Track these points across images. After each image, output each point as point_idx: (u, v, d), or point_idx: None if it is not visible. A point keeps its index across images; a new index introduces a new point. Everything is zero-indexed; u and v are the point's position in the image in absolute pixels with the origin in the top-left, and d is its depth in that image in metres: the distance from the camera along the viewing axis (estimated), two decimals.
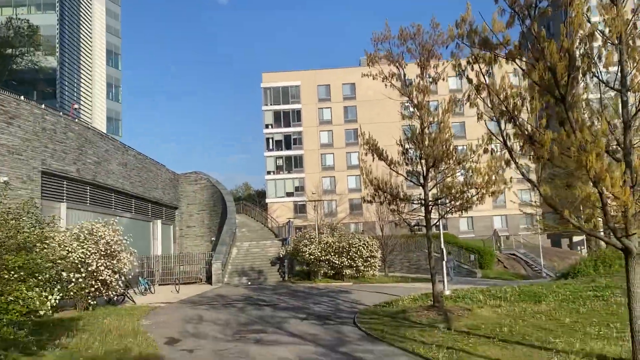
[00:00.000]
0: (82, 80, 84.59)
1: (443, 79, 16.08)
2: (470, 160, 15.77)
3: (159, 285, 34.53)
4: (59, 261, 16.28)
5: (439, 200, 16.36)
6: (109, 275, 19.22)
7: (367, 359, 10.63)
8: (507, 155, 9.38)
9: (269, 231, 51.45)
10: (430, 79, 16.16)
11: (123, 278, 20.51)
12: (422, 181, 16.31)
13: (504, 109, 8.46)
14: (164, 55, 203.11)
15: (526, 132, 8.10)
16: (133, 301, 23.64)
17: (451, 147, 15.73)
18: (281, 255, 38.12)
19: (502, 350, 10.26)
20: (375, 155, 16.49)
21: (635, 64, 7.85)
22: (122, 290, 21.58)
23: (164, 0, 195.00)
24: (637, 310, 8.08)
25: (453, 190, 15.87)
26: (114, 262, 19.77)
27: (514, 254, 55.62)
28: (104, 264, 19.08)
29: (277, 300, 23.32)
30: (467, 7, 9.17)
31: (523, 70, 8.10)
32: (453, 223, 69.71)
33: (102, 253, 19.33)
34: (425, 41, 15.96)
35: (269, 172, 77.68)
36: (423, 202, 16.30)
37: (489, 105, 9.17)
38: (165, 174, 44.88)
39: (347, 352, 11.36)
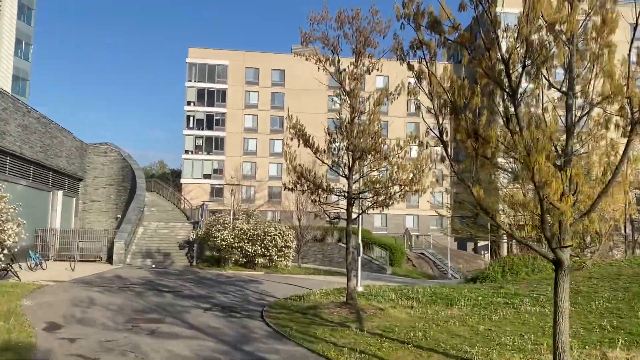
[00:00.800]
0: None
1: (377, 69, 15.43)
2: (397, 155, 15.33)
3: (54, 261, 32.17)
4: None
5: (363, 194, 15.75)
6: None
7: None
8: (441, 152, 8.88)
9: (181, 213, 49.56)
10: (365, 68, 15.50)
11: (6, 251, 18.49)
12: (347, 173, 15.67)
13: (447, 100, 7.87)
14: (88, 20, 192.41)
15: (471, 127, 7.51)
16: (17, 277, 21.49)
17: (379, 140, 15.20)
18: (191, 239, 36.70)
19: (417, 357, 9.73)
20: (301, 141, 15.65)
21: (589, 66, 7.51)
22: (4, 265, 19.54)
23: None
24: (562, 325, 7.72)
25: (377, 185, 15.35)
26: None
27: (423, 254, 57.14)
28: None
29: (180, 286, 21.95)
30: None
31: (473, 58, 7.49)
32: (368, 219, 70.35)
33: None
34: (363, 27, 15.28)
35: (187, 152, 74.89)
36: (346, 194, 15.67)
37: (429, 96, 8.54)
38: (72, 142, 41.49)
39: (251, 351, 10.42)
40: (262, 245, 32.98)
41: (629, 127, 6.88)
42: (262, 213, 55.38)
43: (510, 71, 6.93)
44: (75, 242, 35.44)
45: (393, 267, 44.81)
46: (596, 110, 7.81)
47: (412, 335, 11.66)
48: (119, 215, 41.96)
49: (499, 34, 6.84)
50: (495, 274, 24.02)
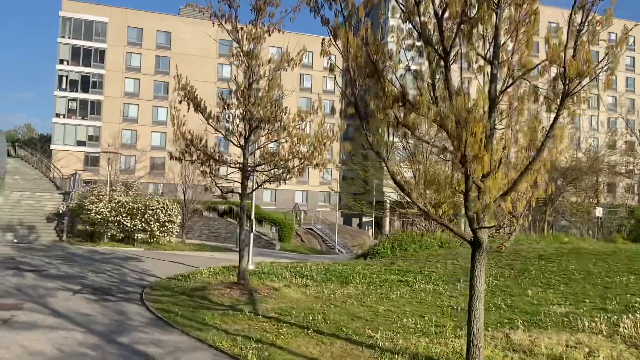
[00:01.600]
0: None
1: (279, 31, 14.33)
2: (297, 127, 14.43)
3: None
4: None
5: (260, 167, 14.65)
6: None
7: (154, 354, 8.25)
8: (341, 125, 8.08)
9: (50, 182, 45.34)
10: (265, 28, 14.31)
11: None
12: (242, 143, 14.51)
13: (368, 60, 7.01)
14: None
15: (399, 91, 6.71)
16: None
17: (280, 109, 14.19)
18: (61, 211, 33.65)
19: (319, 345, 8.90)
20: (191, 105, 14.21)
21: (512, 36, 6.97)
22: None
23: None
24: (477, 311, 7.29)
25: (276, 158, 14.40)
26: None
27: (311, 229, 57.31)
28: None
29: (46, 264, 19.56)
30: None
31: (403, 11, 6.61)
32: (257, 194, 68.59)
33: None
34: None
35: (58, 115, 68.76)
36: (241, 166, 14.52)
37: (344, 57, 7.62)
38: None
39: (128, 343, 8.90)
40: (143, 220, 30.90)
41: (559, 100, 6.43)
42: (144, 185, 52.32)
43: (443, 29, 6.21)
44: None
45: (282, 243, 44.47)
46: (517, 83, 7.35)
47: (311, 318, 10.86)
48: None
49: None
50: (385, 250, 24.13)
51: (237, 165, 14.62)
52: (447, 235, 24.95)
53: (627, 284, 13.20)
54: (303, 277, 16.78)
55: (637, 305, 11.20)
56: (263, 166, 14.66)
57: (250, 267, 19.37)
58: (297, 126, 14.30)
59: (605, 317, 10.32)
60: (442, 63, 6.47)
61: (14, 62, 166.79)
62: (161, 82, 70.46)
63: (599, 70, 6.04)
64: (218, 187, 15.10)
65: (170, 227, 32.34)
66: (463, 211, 7.51)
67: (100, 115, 69.62)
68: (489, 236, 7.86)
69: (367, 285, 15.13)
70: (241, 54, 14.14)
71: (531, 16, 6.84)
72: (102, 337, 9.30)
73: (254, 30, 14.14)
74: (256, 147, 14.77)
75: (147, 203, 31.59)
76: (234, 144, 14.76)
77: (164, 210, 31.79)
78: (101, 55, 69.47)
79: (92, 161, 66.78)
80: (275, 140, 14.64)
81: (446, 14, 6.16)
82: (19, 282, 15.07)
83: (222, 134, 14.64)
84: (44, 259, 21.33)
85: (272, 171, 14.55)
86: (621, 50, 5.91)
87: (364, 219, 72.01)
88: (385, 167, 7.76)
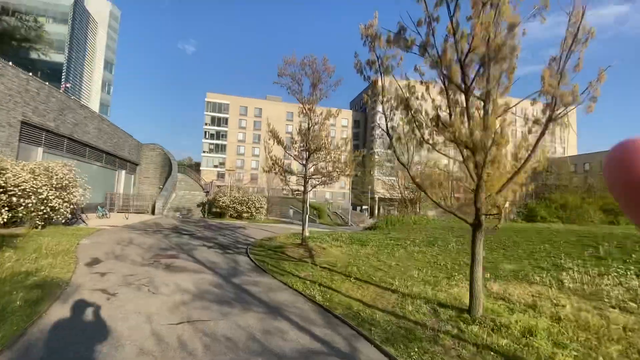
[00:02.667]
0: (84, 76, 73.75)
1: (326, 97, 12.82)
2: (336, 152, 12.82)
3: (117, 212, 27.55)
4: (11, 188, 10.69)
5: (315, 176, 13.05)
6: (58, 204, 13.21)
7: (254, 292, 6.75)
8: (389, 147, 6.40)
9: (199, 186, 44.73)
10: (318, 96, 12.78)
11: (73, 206, 14.46)
12: (304, 162, 12.96)
13: (403, 97, 5.37)
14: (144, 74, 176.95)
15: (435, 115, 5.03)
16: (85, 223, 17.35)
17: (327, 141, 12.61)
18: (204, 201, 32.84)
19: (360, 289, 7.11)
20: (275, 140, 12.78)
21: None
22: (70, 215, 15.40)
23: (147, 33, 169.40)
24: (478, 272, 5.49)
25: (324, 171, 12.79)
26: (65, 193, 13.73)
27: (335, 212, 55.43)
28: (54, 194, 13.07)
29: (195, 230, 18.17)
30: (374, 15, 5.91)
31: (432, 62, 4.96)
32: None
33: (54, 185, 13.26)
34: (316, 68, 12.60)
35: (204, 152, 69.16)
36: (303, 176, 12.95)
37: (383, 99, 6.00)
38: (132, 141, 36.76)
39: (239, 283, 7.37)
40: (246, 206, 29.72)
41: (545, 122, 4.66)
42: (247, 188, 51.78)
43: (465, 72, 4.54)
44: (132, 201, 31.84)
45: (319, 219, 42.78)
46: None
47: (349, 269, 9.02)
48: (161, 186, 37.63)
49: (457, 38, 4.41)
50: (381, 225, 22.16)
51: (301, 175, 13.05)
52: (417, 217, 22.87)
53: (545, 249, 10.95)
54: (337, 240, 15.00)
55: (562, 264, 8.97)
56: (316, 176, 12.97)
57: (307, 234, 17.73)
58: (336, 152, 12.68)
59: (547, 273, 8.23)
60: (462, 97, 4.77)
61: (187, 125, 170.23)
62: (256, 134, 69.93)
63: (582, 101, 4.31)
64: (290, 188, 13.54)
65: (261, 210, 31.03)
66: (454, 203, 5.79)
67: (225, 152, 69.38)
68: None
69: (378, 247, 13.24)
70: (304, 110, 12.59)
71: (510, 73, 5.09)
72: (223, 278, 7.78)
73: (311, 97, 12.63)
74: (312, 165, 13.13)
75: (249, 197, 30.43)
76: (299, 163, 13.18)
77: (258, 201, 30.55)
78: (225, 120, 69.36)
79: (220, 175, 66.42)
80: (323, 161, 13.01)
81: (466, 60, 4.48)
82: (179, 241, 13.73)
83: (292, 157, 13.04)
84: (194, 227, 20.10)
85: (321, 178, 12.85)
86: (600, 83, 4.18)
87: (364, 207, 69.96)
88: (407, 173, 6.07)
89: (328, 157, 12.80)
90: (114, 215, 25.92)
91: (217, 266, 9.20)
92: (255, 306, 5.78)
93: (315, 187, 12.96)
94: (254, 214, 30.16)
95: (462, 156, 4.85)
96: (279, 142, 12.68)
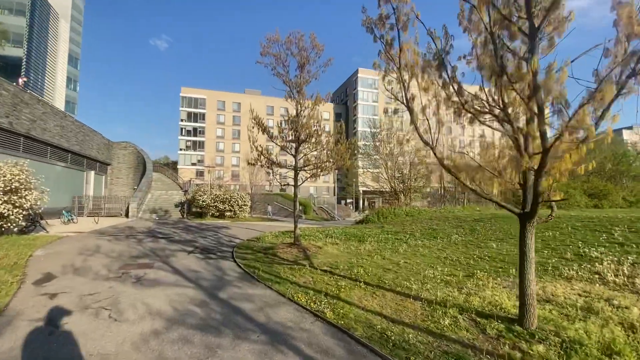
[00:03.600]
0: (46, 71, 69.47)
1: (315, 79, 11.43)
2: (328, 140, 11.50)
3: (87, 216, 25.18)
4: None
5: (306, 167, 11.64)
6: (7, 209, 11.24)
7: (247, 310, 5.31)
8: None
9: (177, 185, 42.42)
10: (306, 78, 11.39)
11: (28, 212, 12.47)
12: (294, 153, 11.56)
13: (438, 52, 4.13)
14: (116, 68, 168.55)
15: (499, 62, 3.77)
16: (46, 230, 15.28)
17: (318, 130, 11.23)
18: (182, 201, 30.73)
19: (375, 297, 5.82)
20: (260, 128, 11.29)
21: None
22: (26, 222, 13.42)
23: (118, 29, 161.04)
24: (530, 274, 4.35)
25: (317, 161, 11.43)
26: (15, 197, 11.75)
27: (321, 207, 54.32)
28: (2, 199, 11.09)
29: (173, 233, 16.40)
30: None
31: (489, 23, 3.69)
32: (289, 189, 66.66)
33: (2, 188, 11.25)
34: (304, 46, 11.16)
35: (180, 149, 65.89)
36: (293, 168, 11.54)
37: (397, 68, 4.74)
38: (101, 139, 34.05)
39: (226, 299, 5.89)
40: (229, 204, 27.96)
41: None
42: (228, 186, 49.75)
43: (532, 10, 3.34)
44: (103, 203, 29.42)
45: (305, 215, 41.50)
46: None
47: (355, 271, 7.73)
48: (136, 187, 35.23)
49: None
50: (374, 218, 21.06)
51: (291, 168, 11.66)
52: (408, 209, 21.98)
53: (556, 237, 10.09)
54: (332, 237, 13.80)
55: (587, 253, 7.99)
56: (308, 167, 11.59)
57: (297, 232, 16.44)
58: (328, 141, 11.38)
59: (578, 265, 7.19)
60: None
61: (161, 123, 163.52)
62: (236, 129, 67.50)
63: None
64: (278, 182, 12.13)
65: (245, 208, 29.34)
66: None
67: (203, 149, 66.58)
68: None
69: (377, 243, 12.08)
70: (292, 94, 11.17)
71: None
72: (207, 293, 6.30)
73: (299, 79, 11.22)
74: (302, 156, 11.75)
75: (232, 195, 28.65)
76: (288, 153, 11.76)
77: (241, 199, 28.85)
78: (202, 116, 66.42)
79: (199, 174, 63.71)
80: (315, 150, 11.66)
81: None
82: (154, 246, 12.04)
83: (281, 147, 11.59)
84: (171, 229, 18.29)
85: (312, 170, 11.50)
86: None
87: (348, 201, 69.26)
88: (432, 153, 4.86)
89: (319, 146, 11.46)
90: (82, 220, 23.72)
91: (199, 276, 7.72)
92: (251, 332, 4.42)
93: (306, 179, 11.61)
94: (237, 212, 28.47)
95: (527, 122, 3.67)
96: (264, 130, 11.23)
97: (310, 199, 56.72)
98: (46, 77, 68.04)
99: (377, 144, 24.32)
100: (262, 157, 11.17)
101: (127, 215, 27.68)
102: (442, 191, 24.04)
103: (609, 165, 27.75)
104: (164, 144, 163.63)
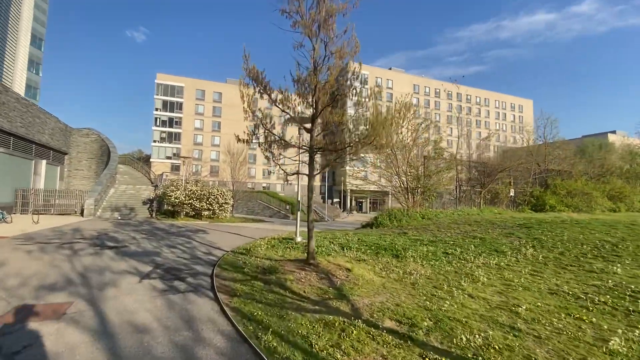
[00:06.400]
0: (5, 50, 62.86)
1: (345, 14, 7.53)
2: (364, 104, 7.63)
3: (34, 214, 20.00)
4: None
5: (331, 146, 7.66)
6: None
7: None
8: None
9: (147, 179, 37.27)
10: (330, 6, 7.46)
11: None
12: (310, 126, 7.63)
13: None
14: (83, 54, 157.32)
15: None
16: None
17: (344, 94, 7.38)
18: (151, 197, 26.04)
19: None
20: (258, 87, 7.30)
21: None
22: None
23: (93, 19, 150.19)
24: None
25: (346, 135, 7.55)
26: None
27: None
28: None
29: (130, 239, 12.05)
30: None
31: None
32: (272, 187, 62.33)
33: None
34: None
35: (154, 141, 59.81)
36: (309, 147, 7.61)
37: None
38: (56, 123, 28.70)
39: None
40: (207, 202, 23.57)
41: None
42: (206, 182, 45.07)
43: None
44: (55, 199, 24.30)
45: (293, 215, 37.56)
46: None
47: (459, 337, 3.95)
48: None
49: None
50: (385, 221, 17.32)
51: (304, 148, 7.75)
52: (424, 210, 18.49)
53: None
54: (350, 249, 9.96)
55: None
56: (324, 147, 7.68)
57: (298, 239, 12.52)
58: (364, 103, 7.53)
59: None
60: None
61: (132, 115, 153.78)
62: (216, 121, 62.29)
63: None
64: (282, 169, 8.13)
65: (226, 207, 25.00)
66: None
67: (180, 141, 60.95)
68: None
69: (423, 260, 8.32)
70: (310, 30, 7.19)
71: None
72: None
73: (317, 14, 7.27)
74: (319, 131, 7.86)
75: (210, 191, 24.29)
76: (301, 126, 7.85)
77: (222, 196, 24.50)
78: (179, 105, 60.74)
79: (175, 168, 58.21)
80: (338, 124, 7.77)
81: None
82: (91, 264, 7.73)
83: (291, 115, 7.57)
84: (131, 234, 13.87)
85: (335, 152, 7.62)
86: None
87: (335, 200, 65.76)
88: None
89: (345, 116, 7.59)
90: (21, 219, 18.80)
91: (146, 350, 3.71)
92: None
93: (327, 166, 7.72)
94: (217, 211, 24.12)
95: None
96: (264, 89, 7.24)
97: (295, 197, 53.01)
98: (5, 57, 60.56)
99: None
100: (259, 129, 7.18)
101: (82, 214, 22.77)
102: (458, 191, 20.79)
103: (627, 166, 25.80)
104: (138, 138, 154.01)
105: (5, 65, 61.68)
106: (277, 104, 7.38)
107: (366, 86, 7.05)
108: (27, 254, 8.67)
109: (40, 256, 8.41)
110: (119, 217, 22.54)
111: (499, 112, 79.26)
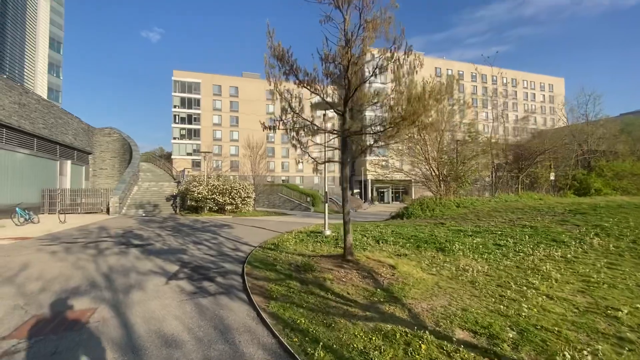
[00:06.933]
0: (25, 55, 64.60)
1: None
2: (403, 79, 6.76)
3: (61, 214, 20.28)
4: None
5: (368, 128, 6.87)
6: None
7: None
8: None
9: (170, 176, 37.65)
10: None
11: None
12: (343, 109, 6.84)
13: None
14: (101, 56, 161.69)
15: None
16: None
17: (390, 59, 6.52)
18: (174, 193, 26.19)
19: None
20: (284, 68, 6.56)
21: None
22: None
23: (104, 18, 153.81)
24: None
25: (387, 114, 6.71)
26: None
27: (330, 198, 49.84)
28: None
29: (155, 237, 11.76)
30: None
31: None
32: (292, 180, 62.10)
33: None
34: None
35: (174, 138, 60.63)
36: (342, 131, 6.84)
37: None
38: (78, 124, 29.30)
39: None
40: (230, 197, 23.35)
41: None
42: (226, 177, 45.27)
43: None
44: (81, 198, 24.81)
45: (315, 207, 37.03)
46: None
47: (529, 340, 3.29)
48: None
49: None
50: (417, 210, 16.40)
51: (337, 132, 7.00)
52: (457, 198, 17.39)
53: None
54: (386, 242, 9.22)
55: None
56: (360, 130, 6.89)
57: (327, 232, 11.86)
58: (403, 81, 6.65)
59: None
60: None
61: (153, 114, 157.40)
62: (234, 116, 62.30)
63: None
64: (311, 157, 7.41)
65: (248, 201, 24.77)
66: None
67: (199, 137, 61.46)
68: None
69: (474, 253, 7.50)
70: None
71: None
72: None
73: None
74: (355, 111, 7.06)
75: (232, 185, 24.04)
76: (332, 109, 7.09)
77: (244, 190, 24.23)
78: (197, 102, 61.11)
79: (195, 164, 58.99)
80: (374, 103, 6.94)
81: None
82: (117, 264, 7.40)
83: (321, 97, 6.81)
84: (156, 230, 13.66)
85: (371, 136, 6.82)
86: None
87: (355, 190, 64.88)
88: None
89: (381, 96, 6.76)
90: (49, 218, 19.23)
91: None
92: None
93: (363, 152, 6.95)
94: (240, 205, 23.87)
95: None
96: (292, 68, 6.51)
97: (316, 190, 52.27)
98: (25, 62, 62.63)
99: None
100: (288, 113, 6.48)
101: (108, 212, 23.14)
102: (494, 176, 19.47)
103: None
104: (159, 137, 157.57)
105: (26, 70, 63.73)
106: (306, 86, 6.64)
107: (407, 59, 6.19)
108: (51, 255, 8.45)
109: (65, 257, 8.15)
110: (144, 214, 22.69)
111: (527, 93, 75.26)
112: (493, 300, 4.61)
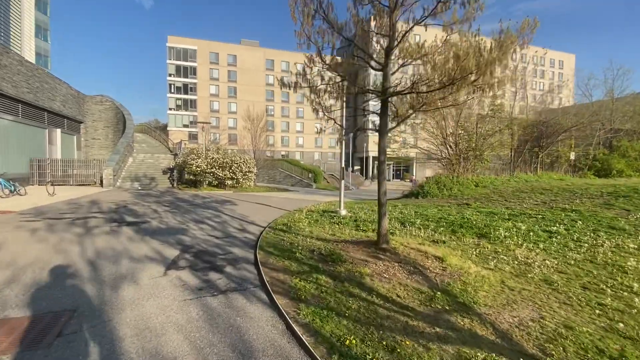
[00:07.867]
0: (10, 15, 61.15)
1: None
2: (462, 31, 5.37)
3: (52, 185, 18.97)
4: None
5: (414, 87, 5.48)
6: None
7: None
8: None
9: (166, 148, 36.10)
10: None
11: None
12: (384, 62, 5.46)
13: None
14: (94, 21, 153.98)
15: None
16: None
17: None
18: (171, 166, 24.85)
19: None
20: (318, 8, 5.12)
21: None
22: None
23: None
24: None
25: (435, 73, 5.37)
26: None
27: (332, 174, 48.77)
28: None
29: (152, 212, 10.62)
30: None
31: None
32: (292, 155, 60.62)
33: None
34: None
35: (170, 109, 58.10)
36: (382, 91, 5.51)
37: None
38: (67, 90, 27.31)
39: None
40: (231, 171, 22.09)
41: None
42: (224, 150, 43.73)
43: None
44: (72, 169, 23.40)
45: (316, 183, 35.96)
46: None
47: None
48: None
49: None
50: (433, 189, 15.27)
51: (377, 92, 5.65)
52: (476, 177, 16.25)
53: None
54: (413, 225, 8.12)
55: None
56: (409, 89, 5.53)
57: (343, 212, 10.74)
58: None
59: None
60: None
61: (146, 84, 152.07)
62: (232, 87, 59.63)
63: None
64: (337, 123, 6.08)
65: (249, 175, 23.53)
66: None
67: (195, 108, 59.09)
68: None
69: (524, 241, 6.39)
70: None
71: None
72: None
73: None
74: (397, 67, 5.68)
75: (233, 159, 22.71)
76: (368, 64, 5.70)
77: (245, 164, 22.94)
78: (193, 70, 58.21)
79: (193, 136, 57.07)
80: (419, 57, 5.56)
81: None
82: (104, 248, 6.21)
83: (360, 48, 5.40)
84: (152, 206, 12.46)
85: (419, 95, 5.48)
86: None
87: (355, 167, 63.69)
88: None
89: (428, 49, 5.39)
90: (36, 190, 17.92)
91: None
92: None
93: (409, 116, 5.64)
94: (241, 180, 22.65)
95: None
96: (320, 4, 5.07)
97: (317, 165, 50.99)
98: (11, 23, 58.75)
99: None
100: (318, 63, 5.11)
101: (101, 184, 21.87)
102: (513, 155, 18.27)
103: None
104: (154, 109, 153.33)
105: (12, 32, 59.90)
106: (337, 31, 5.22)
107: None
108: (31, 233, 7.28)
109: (46, 237, 6.98)
110: (139, 187, 21.49)
111: (536, 70, 72.70)
112: (595, 311, 3.54)
